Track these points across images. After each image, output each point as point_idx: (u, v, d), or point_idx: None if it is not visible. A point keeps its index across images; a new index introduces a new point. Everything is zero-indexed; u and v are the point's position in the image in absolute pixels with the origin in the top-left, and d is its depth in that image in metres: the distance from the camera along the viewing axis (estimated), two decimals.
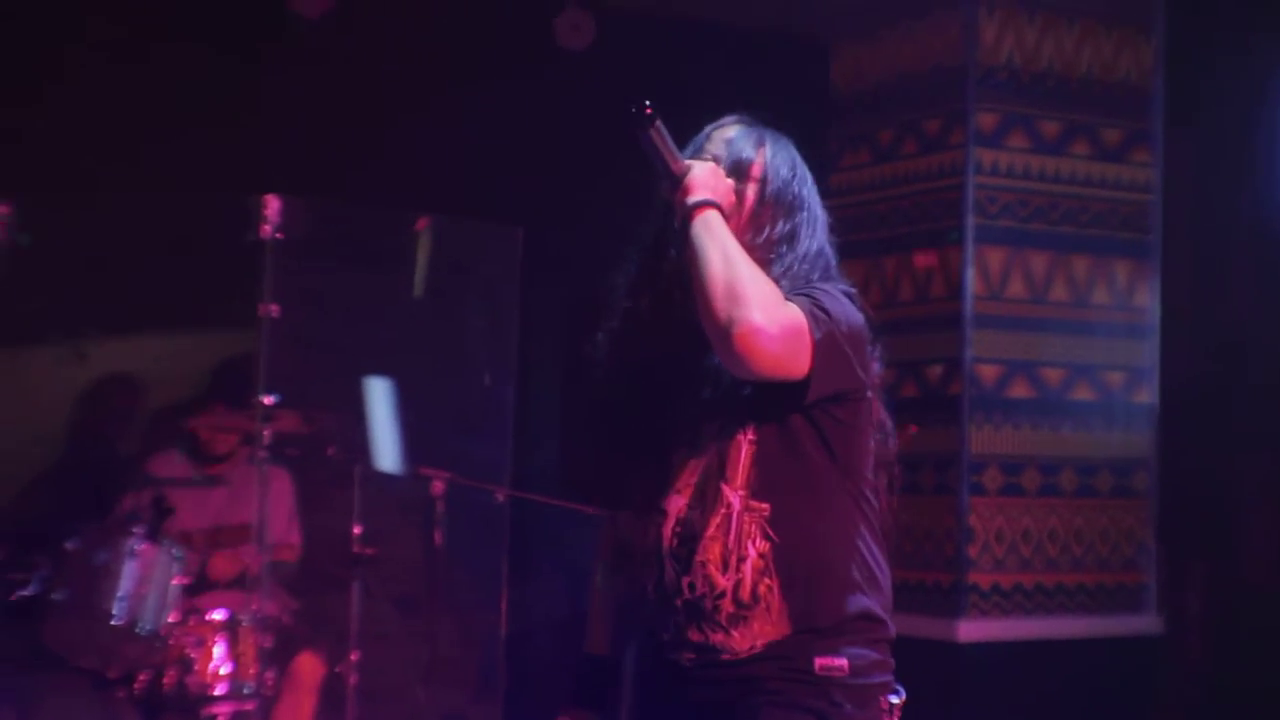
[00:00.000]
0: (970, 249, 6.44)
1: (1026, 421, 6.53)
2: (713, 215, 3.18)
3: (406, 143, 7.01)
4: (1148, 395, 6.80)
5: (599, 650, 3.51)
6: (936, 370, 6.48)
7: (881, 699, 3.29)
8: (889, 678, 3.33)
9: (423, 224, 7.00)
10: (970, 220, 6.45)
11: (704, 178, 3.21)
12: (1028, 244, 6.56)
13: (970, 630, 6.31)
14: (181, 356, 6.93)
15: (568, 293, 7.34)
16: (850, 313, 3.23)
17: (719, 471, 3.26)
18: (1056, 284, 6.61)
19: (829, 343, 3.13)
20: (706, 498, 3.27)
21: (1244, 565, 6.78)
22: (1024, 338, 6.54)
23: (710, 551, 3.27)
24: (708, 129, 3.43)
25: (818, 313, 3.13)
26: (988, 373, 6.44)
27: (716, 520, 3.26)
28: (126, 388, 7.03)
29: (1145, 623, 6.73)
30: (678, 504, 3.31)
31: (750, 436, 3.24)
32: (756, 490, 3.25)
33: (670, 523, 3.31)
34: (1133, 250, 6.79)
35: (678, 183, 3.22)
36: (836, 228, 3.41)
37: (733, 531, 3.25)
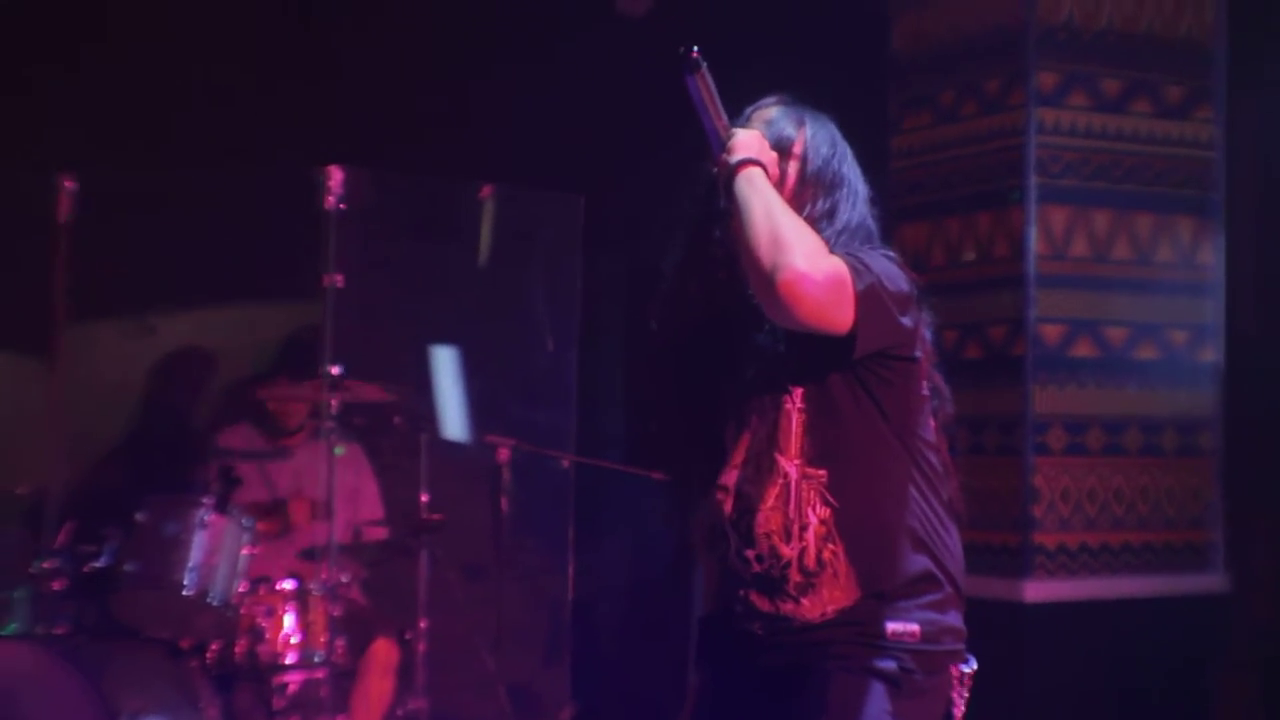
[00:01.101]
0: (1033, 208, 6.42)
1: (1090, 381, 6.51)
2: (756, 172, 3.21)
3: (468, 112, 7.04)
4: (1212, 353, 6.77)
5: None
6: (1000, 331, 6.47)
7: (952, 667, 3.31)
8: (960, 646, 3.34)
9: (487, 192, 7.02)
10: (1032, 180, 6.43)
11: (749, 141, 3.25)
12: (1090, 203, 6.53)
13: (1037, 590, 6.31)
14: (247, 328, 6.98)
15: (629, 259, 7.36)
16: (894, 272, 3.25)
17: (772, 442, 3.29)
18: (1119, 242, 6.58)
19: (872, 295, 3.15)
20: (762, 469, 3.29)
21: None
22: (1087, 297, 6.52)
23: (772, 522, 3.29)
24: (747, 110, 3.46)
25: (860, 267, 3.16)
26: (1051, 332, 6.43)
27: (775, 491, 3.28)
28: (198, 360, 7.08)
29: (1212, 581, 6.71)
30: (734, 478, 3.33)
31: (799, 405, 3.27)
32: (812, 457, 3.27)
33: (730, 498, 3.34)
34: (1196, 208, 6.76)
35: (723, 143, 3.25)
36: (879, 200, 3.45)
37: (792, 500, 3.27)
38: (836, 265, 3.12)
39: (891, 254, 3.32)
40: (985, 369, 6.49)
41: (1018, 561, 6.32)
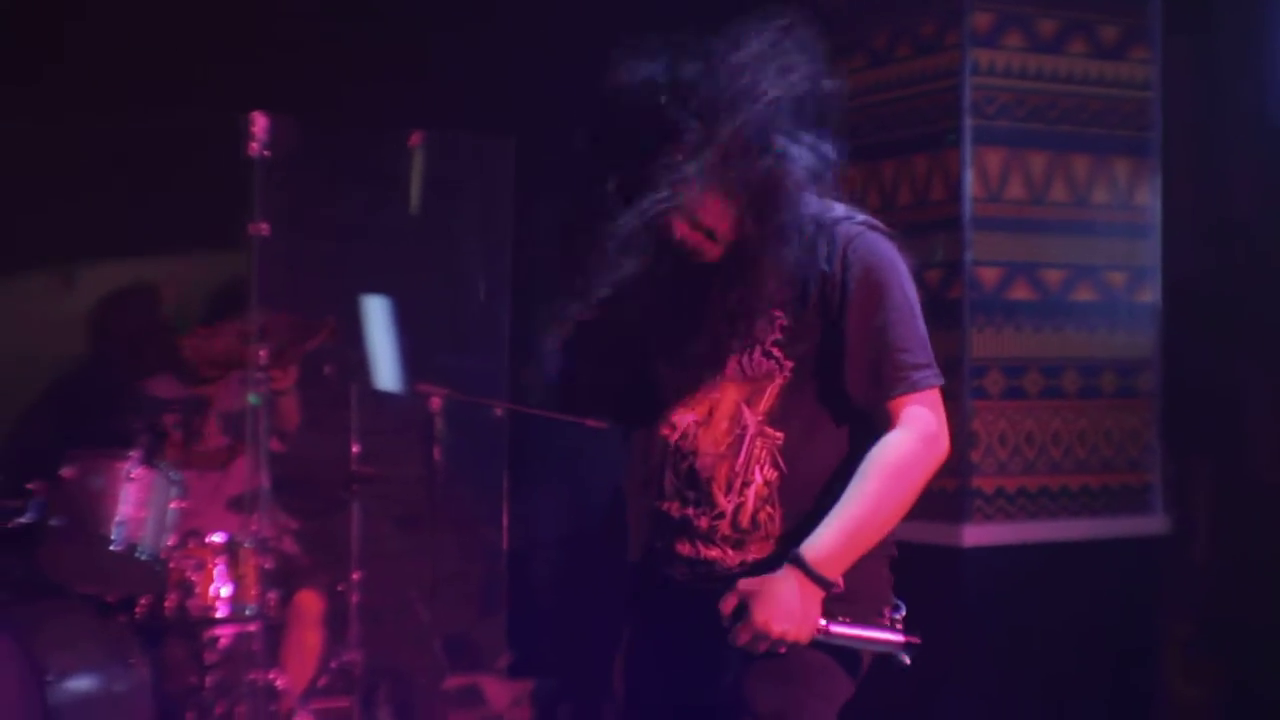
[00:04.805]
0: (968, 151, 6.36)
1: (1028, 323, 6.47)
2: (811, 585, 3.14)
3: (394, 57, 6.93)
4: (1150, 294, 6.74)
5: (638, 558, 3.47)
6: (936, 274, 6.42)
7: (884, 611, 3.26)
8: (887, 591, 3.30)
9: (417, 139, 6.92)
10: (968, 121, 6.37)
11: (781, 611, 3.12)
12: (1026, 144, 6.48)
13: (975, 535, 6.27)
14: (170, 279, 6.88)
15: (563, 203, 7.26)
16: (914, 293, 3.31)
17: (742, 395, 3.22)
18: (1056, 184, 6.53)
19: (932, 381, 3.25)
20: (720, 415, 3.24)
21: (1250, 463, 6.75)
22: (1024, 239, 6.47)
23: (716, 470, 3.23)
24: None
25: (918, 364, 3.24)
26: (988, 275, 6.38)
27: (729, 440, 3.23)
28: (142, 305, 6.95)
29: (1151, 523, 6.70)
30: (687, 419, 3.27)
31: (785, 373, 3.21)
32: (775, 418, 3.21)
33: (676, 435, 3.28)
34: (1132, 148, 6.72)
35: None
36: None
37: (743, 454, 3.22)
38: (924, 418, 3.21)
39: (868, 222, 3.27)
40: (923, 312, 6.43)
41: (955, 506, 6.29)
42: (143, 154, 6.45)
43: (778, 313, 3.22)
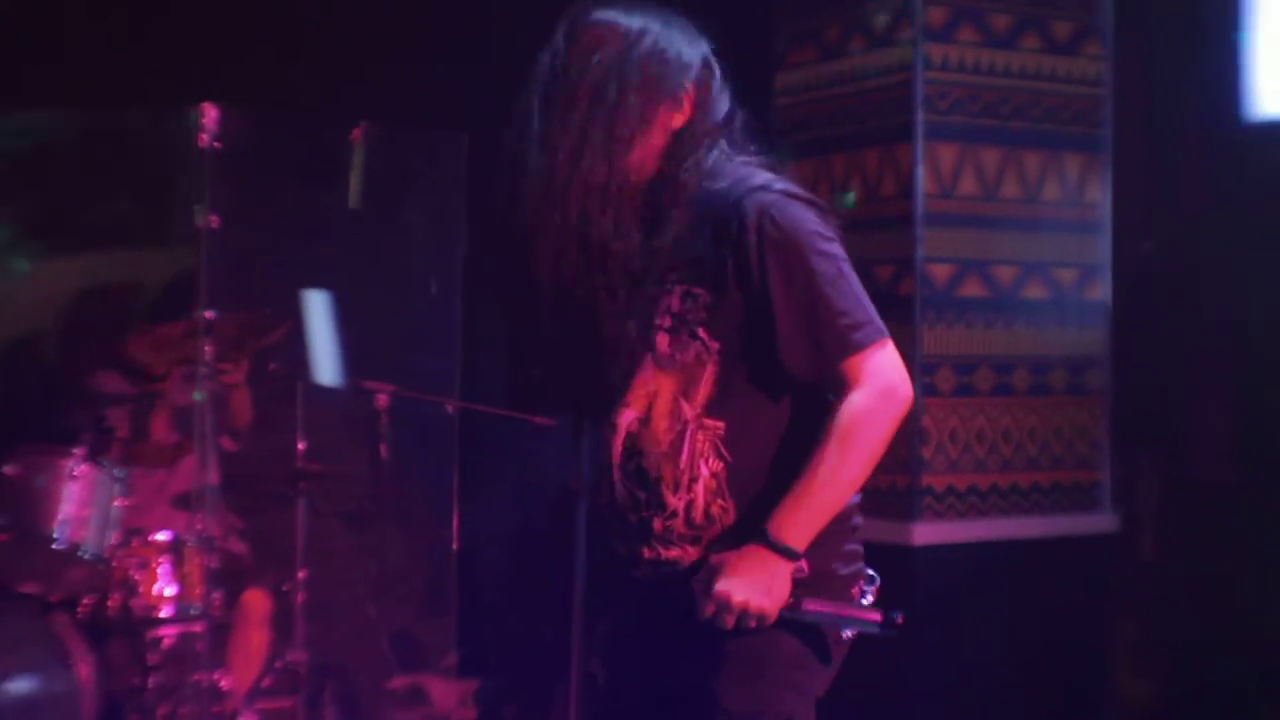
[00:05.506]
0: (920, 146, 6.34)
1: (979, 320, 6.46)
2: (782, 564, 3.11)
3: (347, 49, 6.88)
4: (1101, 291, 6.74)
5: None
6: (887, 270, 6.40)
7: (853, 590, 3.23)
8: (858, 566, 3.26)
9: (357, 134, 6.87)
10: (920, 116, 6.35)
11: (750, 587, 3.10)
12: (979, 140, 6.46)
13: (925, 533, 6.26)
14: (118, 272, 6.82)
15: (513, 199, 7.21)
16: (839, 253, 3.18)
17: (677, 387, 3.18)
18: (1008, 180, 6.52)
19: (878, 337, 3.15)
20: (659, 412, 3.19)
21: (1198, 461, 6.75)
22: (975, 235, 6.46)
23: (662, 469, 3.19)
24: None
25: (858, 322, 3.13)
26: (939, 272, 6.37)
27: (670, 437, 3.18)
28: (119, 304, 6.88)
29: (1100, 521, 6.70)
30: (628, 417, 3.23)
31: (714, 356, 3.16)
32: (713, 408, 3.17)
33: (620, 436, 3.24)
34: (1084, 144, 6.71)
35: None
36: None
37: (685, 450, 3.17)
38: (878, 372, 3.13)
39: (793, 191, 3.21)
40: None
41: (906, 504, 6.27)
42: (91, 145, 6.39)
43: (699, 290, 3.16)
